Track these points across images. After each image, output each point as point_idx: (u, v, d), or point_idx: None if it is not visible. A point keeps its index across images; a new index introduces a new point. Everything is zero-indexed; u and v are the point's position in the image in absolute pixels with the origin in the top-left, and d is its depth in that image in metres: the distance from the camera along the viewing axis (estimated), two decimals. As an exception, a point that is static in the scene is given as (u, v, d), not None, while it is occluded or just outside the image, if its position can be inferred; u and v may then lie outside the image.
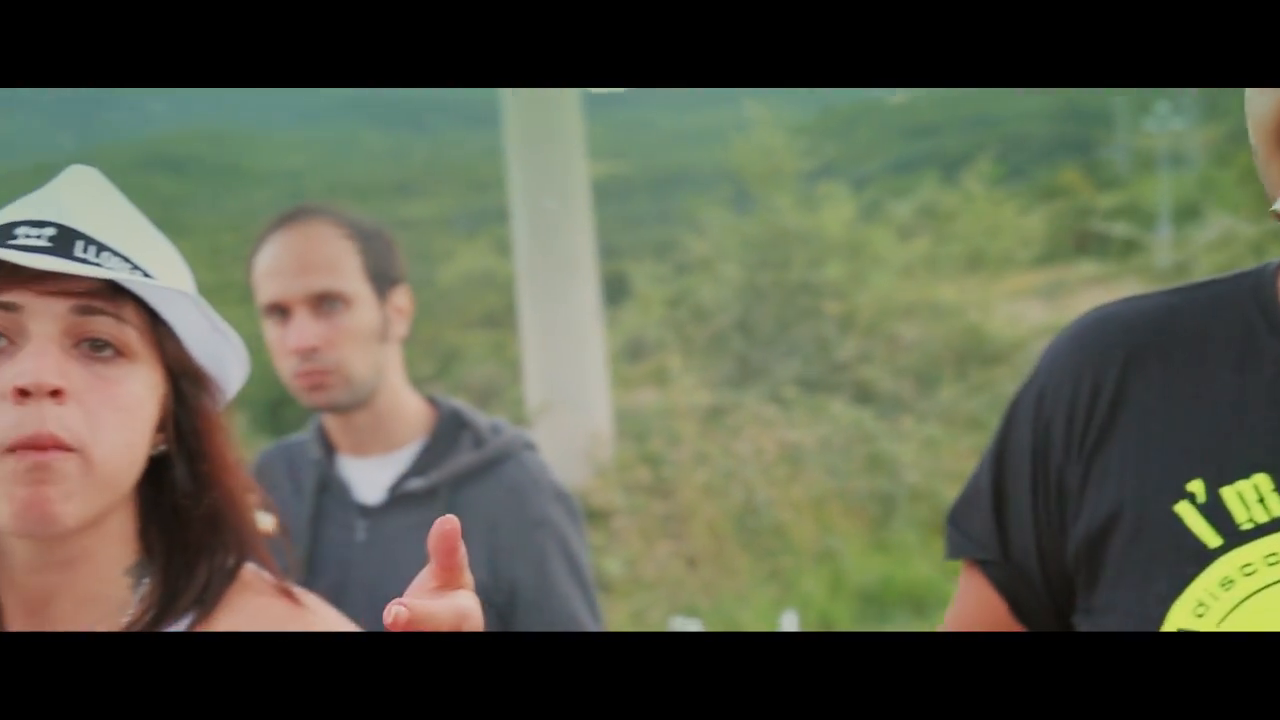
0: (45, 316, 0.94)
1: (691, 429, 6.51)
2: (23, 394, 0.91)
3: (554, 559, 1.67)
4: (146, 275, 0.98)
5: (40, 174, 1.04)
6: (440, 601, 0.71)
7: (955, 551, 1.00)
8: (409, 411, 1.73)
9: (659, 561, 5.78)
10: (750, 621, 5.12)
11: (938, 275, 9.96)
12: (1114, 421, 0.89)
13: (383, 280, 1.69)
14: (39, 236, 0.95)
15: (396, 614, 0.66)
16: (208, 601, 1.00)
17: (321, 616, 1.03)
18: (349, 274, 1.64)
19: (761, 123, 9.17)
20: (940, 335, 9.37)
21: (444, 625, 0.70)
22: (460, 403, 1.78)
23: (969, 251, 10.22)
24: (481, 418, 1.76)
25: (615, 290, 10.57)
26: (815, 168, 9.60)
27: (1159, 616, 0.84)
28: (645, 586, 5.56)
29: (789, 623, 5.09)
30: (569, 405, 6.46)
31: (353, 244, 1.67)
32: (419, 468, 1.69)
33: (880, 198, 10.61)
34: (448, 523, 0.74)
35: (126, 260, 0.97)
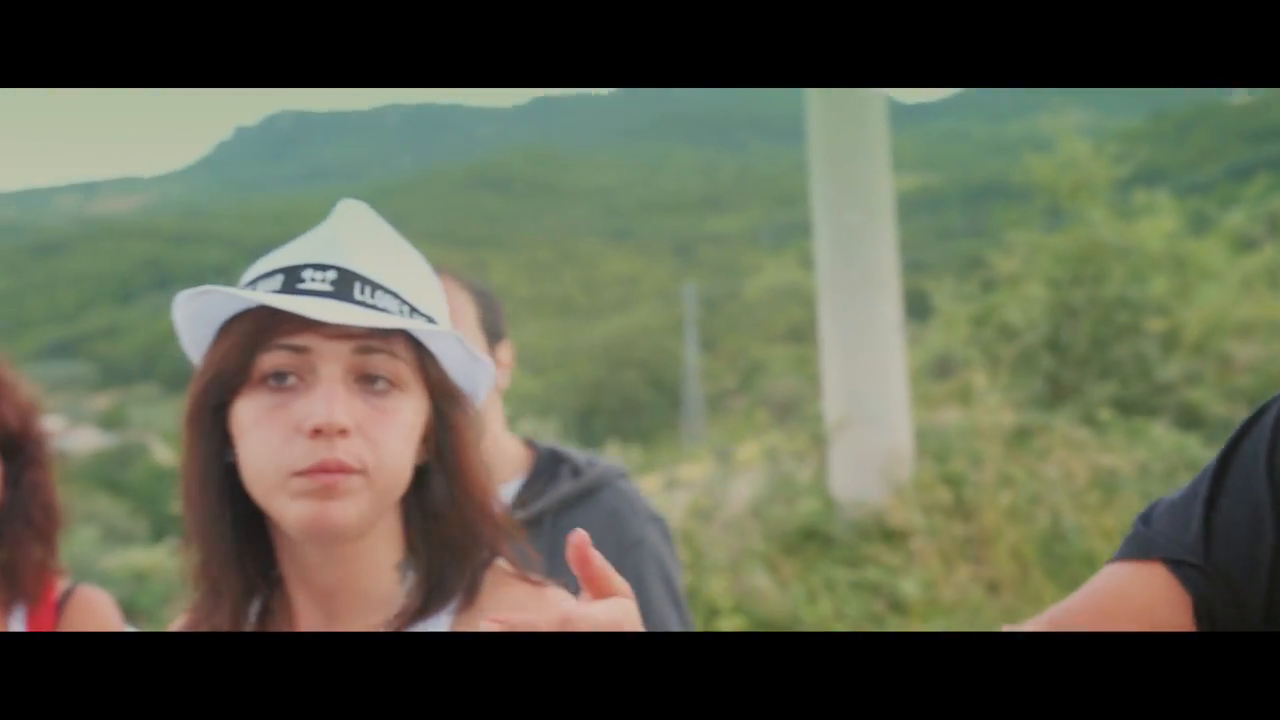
0: (331, 358, 1.07)
1: (996, 450, 6.30)
2: (316, 432, 1.05)
3: (651, 578, 1.78)
4: (414, 309, 1.11)
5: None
6: (592, 606, 0.81)
7: (1145, 549, 1.02)
8: (509, 454, 1.88)
9: (958, 585, 5.63)
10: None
11: (1280, 290, 9.14)
12: None
13: (493, 334, 1.85)
14: (323, 280, 1.07)
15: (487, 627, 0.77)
16: (472, 591, 1.12)
17: (562, 596, 1.12)
18: (468, 326, 1.79)
19: (1077, 130, 8.74)
20: (1283, 355, 8.60)
21: (599, 626, 0.79)
22: (555, 442, 1.92)
23: (1320, 262, 9.33)
24: (577, 453, 1.90)
25: (921, 306, 10.36)
26: (1135, 175, 9.04)
27: None
28: (943, 610, 5.44)
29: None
30: (868, 421, 6.39)
31: (470, 299, 1.82)
32: (520, 501, 1.82)
33: (1211, 207, 9.85)
34: (576, 537, 0.83)
35: (397, 297, 1.10)
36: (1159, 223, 8.50)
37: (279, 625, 1.17)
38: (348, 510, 1.06)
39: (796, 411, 7.81)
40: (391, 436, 1.08)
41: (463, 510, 1.13)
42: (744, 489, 7.15)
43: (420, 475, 1.14)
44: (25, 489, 1.75)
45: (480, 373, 1.16)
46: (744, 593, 5.40)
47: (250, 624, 1.15)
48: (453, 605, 1.12)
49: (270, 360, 1.07)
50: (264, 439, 1.06)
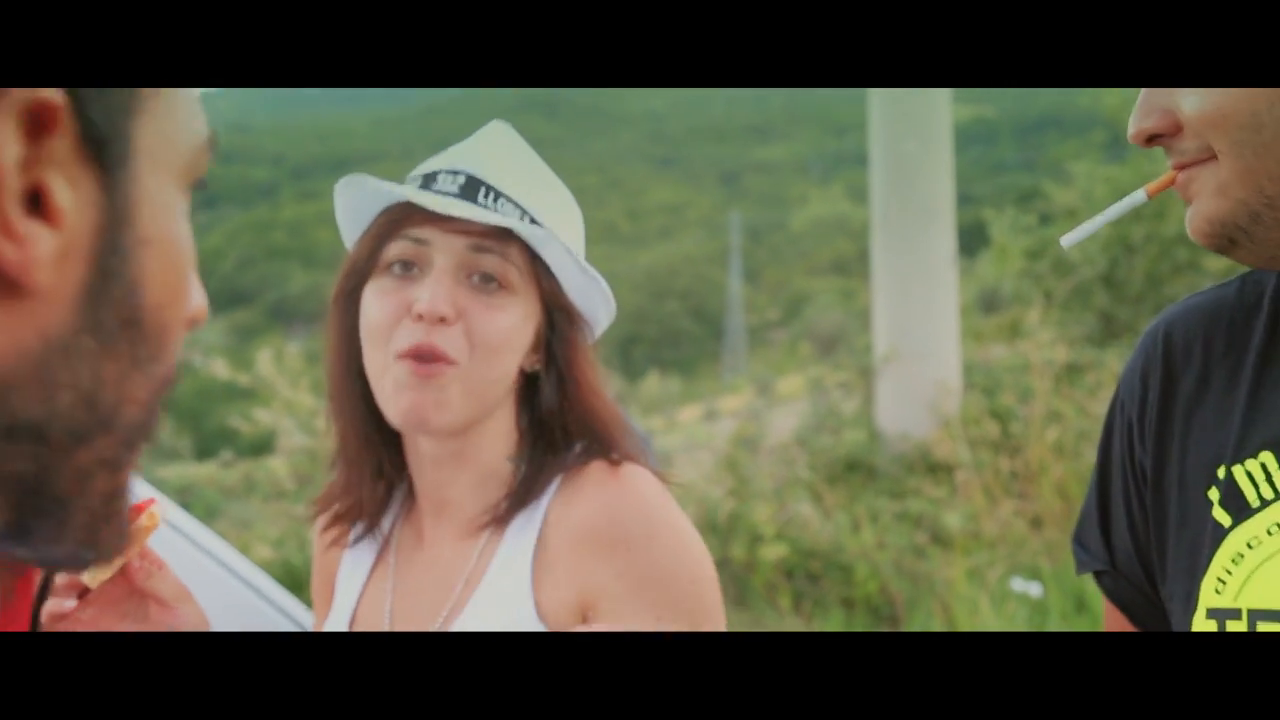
0: (447, 251, 1.15)
1: (1045, 385, 6.23)
2: (420, 317, 1.13)
3: None
4: (534, 221, 1.17)
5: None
6: None
7: (1079, 568, 1.04)
8: None
9: (1001, 519, 5.62)
10: (1093, 589, 4.89)
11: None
12: (1167, 414, 0.94)
13: None
14: (453, 183, 1.17)
15: None
16: (570, 474, 1.19)
17: (668, 490, 1.19)
18: None
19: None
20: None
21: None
22: None
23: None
24: None
25: (972, 240, 10.21)
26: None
27: (1195, 597, 0.88)
28: (986, 544, 5.43)
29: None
30: (916, 355, 6.35)
31: None
32: None
33: None
34: None
35: (519, 207, 1.17)
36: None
37: (408, 518, 1.27)
38: (441, 406, 1.14)
39: (840, 344, 7.76)
40: (493, 331, 1.15)
41: (571, 417, 1.21)
42: (787, 420, 7.14)
43: (532, 382, 1.22)
44: None
45: (596, 293, 1.22)
46: (787, 521, 5.41)
47: (377, 508, 1.26)
48: (553, 487, 1.19)
49: (395, 249, 1.17)
50: (378, 318, 1.16)
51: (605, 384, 1.24)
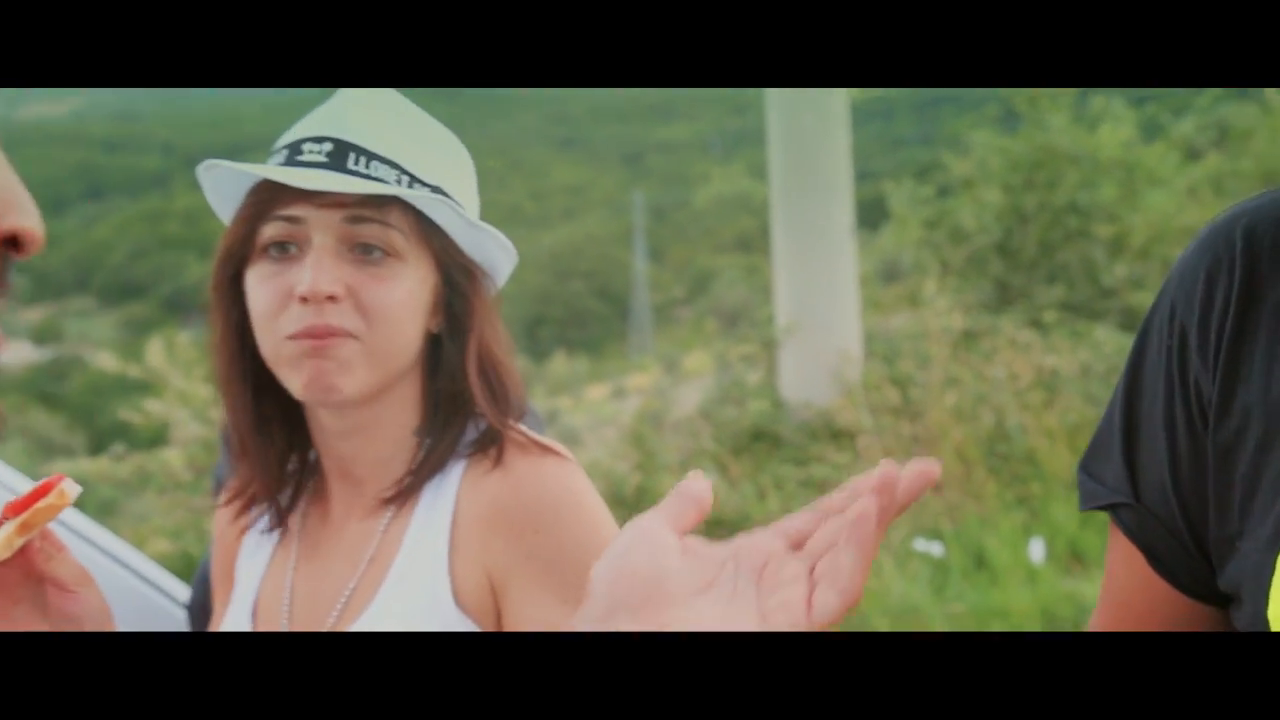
0: (323, 227, 1.10)
1: (943, 352, 6.36)
2: (304, 300, 1.08)
3: None
4: (414, 179, 1.11)
5: (322, 99, 1.19)
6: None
7: (1087, 501, 0.89)
8: None
9: (904, 484, 5.71)
10: (994, 547, 5.01)
11: (1225, 197, 9.25)
12: (1245, 320, 0.79)
13: None
14: (319, 152, 1.10)
15: None
16: (500, 455, 1.14)
17: (582, 472, 1.16)
18: None
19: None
20: (1223, 262, 8.74)
21: None
22: None
23: (1264, 171, 9.43)
24: None
25: (873, 214, 10.35)
26: (1090, 81, 9.05)
27: (1276, 541, 0.74)
28: (889, 508, 5.52)
29: (1036, 551, 4.95)
30: (818, 326, 6.43)
31: None
32: None
33: (1164, 114, 9.90)
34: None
35: (395, 167, 1.11)
36: (1116, 131, 8.53)
37: (315, 496, 1.23)
38: (345, 375, 1.09)
39: (745, 320, 7.83)
40: (385, 303, 1.10)
41: (475, 378, 1.16)
42: (693, 395, 7.19)
43: (435, 343, 1.17)
44: None
45: (490, 243, 1.17)
46: (694, 492, 5.43)
47: (279, 488, 1.22)
48: (460, 466, 1.15)
49: (270, 231, 1.11)
50: (263, 305, 1.11)
51: (509, 343, 1.20)
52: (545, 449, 1.15)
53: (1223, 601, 0.83)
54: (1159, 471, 0.83)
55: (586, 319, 34.42)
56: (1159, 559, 0.85)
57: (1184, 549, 0.83)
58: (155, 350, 6.32)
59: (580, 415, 8.39)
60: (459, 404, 1.16)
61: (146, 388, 6.31)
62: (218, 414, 5.90)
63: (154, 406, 6.02)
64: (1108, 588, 0.92)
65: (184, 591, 1.85)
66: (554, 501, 1.11)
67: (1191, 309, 0.82)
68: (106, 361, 5.94)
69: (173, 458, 5.92)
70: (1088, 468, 0.90)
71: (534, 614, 1.08)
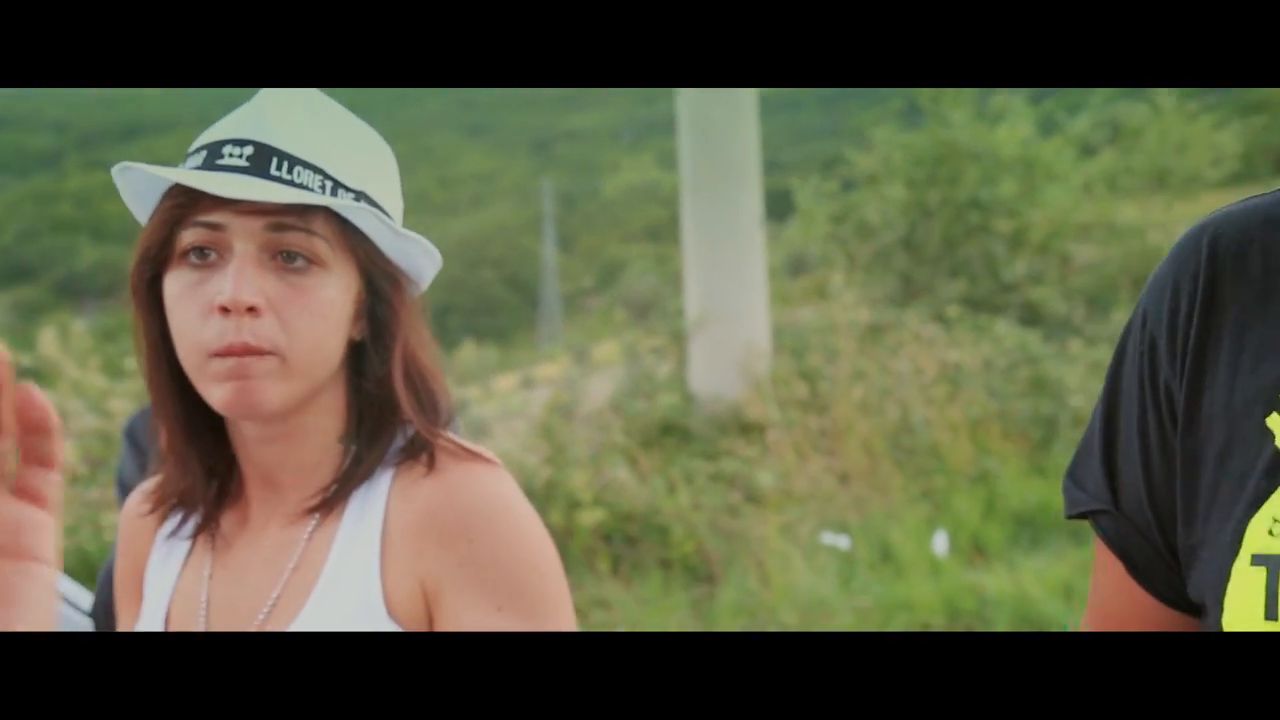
0: (245, 235, 1.06)
1: (850, 346, 6.45)
2: (224, 310, 1.04)
3: None
4: (338, 185, 1.08)
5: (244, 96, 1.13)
6: None
7: (1070, 508, 0.91)
8: None
9: (811, 476, 5.79)
10: (900, 539, 5.10)
11: (1118, 194, 9.52)
12: (1209, 327, 0.80)
13: None
14: (240, 156, 1.07)
15: None
16: (407, 461, 1.12)
17: (511, 478, 1.15)
18: None
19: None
20: (1117, 257, 8.99)
21: None
22: None
23: (1154, 169, 9.73)
24: None
25: (780, 206, 10.44)
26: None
27: (1239, 540, 0.76)
28: (796, 500, 5.59)
29: (940, 543, 5.06)
30: (727, 318, 6.46)
31: None
32: None
33: (1060, 111, 10.15)
34: None
35: (319, 172, 1.08)
36: (1015, 128, 8.72)
37: (233, 502, 1.19)
38: (266, 392, 1.07)
39: (655, 311, 7.84)
40: (307, 316, 1.08)
41: (401, 385, 1.14)
42: (603, 386, 7.17)
43: (359, 351, 1.14)
44: None
45: (414, 250, 1.15)
46: (604, 486, 5.43)
47: (197, 495, 1.18)
48: (389, 475, 1.13)
49: (189, 237, 1.07)
50: (184, 315, 1.07)
51: (435, 350, 1.18)
52: (475, 456, 1.14)
53: (1198, 610, 0.84)
54: (1135, 479, 0.85)
55: (495, 308, 34.22)
56: (1136, 566, 0.87)
57: (1160, 557, 0.85)
58: (48, 338, 6.10)
59: (489, 405, 8.32)
60: (386, 411, 1.14)
61: (38, 376, 6.10)
62: (115, 405, 5.68)
63: (46, 397, 5.82)
64: (1092, 594, 0.94)
65: (86, 597, 1.79)
66: (486, 508, 1.10)
67: (1160, 318, 0.83)
68: (-1, 353, 5.71)
69: (66, 450, 5.73)
70: (1072, 474, 0.91)
71: (468, 620, 1.07)
